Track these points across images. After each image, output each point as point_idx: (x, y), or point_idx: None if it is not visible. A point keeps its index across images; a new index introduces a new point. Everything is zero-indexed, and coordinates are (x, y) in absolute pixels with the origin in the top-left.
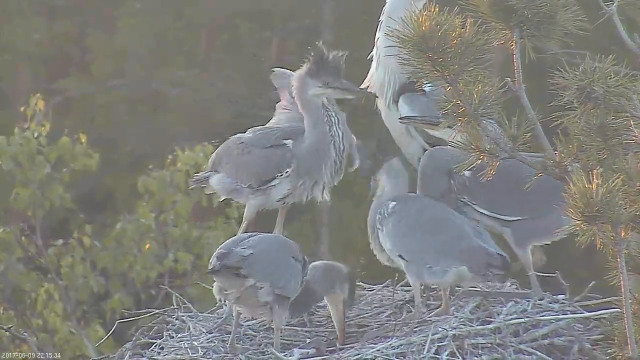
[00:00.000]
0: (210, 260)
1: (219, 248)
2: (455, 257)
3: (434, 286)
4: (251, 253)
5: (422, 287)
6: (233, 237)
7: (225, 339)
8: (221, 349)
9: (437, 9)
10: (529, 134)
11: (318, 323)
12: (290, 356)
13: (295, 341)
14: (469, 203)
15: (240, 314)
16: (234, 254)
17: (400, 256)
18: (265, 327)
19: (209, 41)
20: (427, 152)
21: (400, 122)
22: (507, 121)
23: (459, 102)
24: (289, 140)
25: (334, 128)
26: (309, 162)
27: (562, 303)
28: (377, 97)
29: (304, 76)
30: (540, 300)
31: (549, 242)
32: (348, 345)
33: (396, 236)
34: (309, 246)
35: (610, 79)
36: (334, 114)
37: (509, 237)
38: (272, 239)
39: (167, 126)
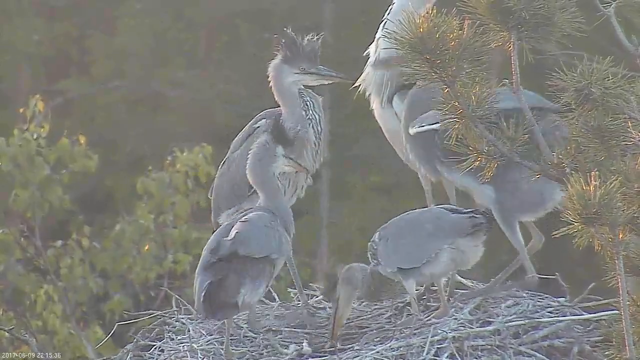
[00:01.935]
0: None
1: (207, 245)
2: (443, 236)
3: (433, 287)
4: (237, 232)
5: (422, 288)
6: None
7: (224, 340)
8: (220, 351)
9: (435, 11)
10: (526, 136)
11: (318, 324)
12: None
13: (295, 343)
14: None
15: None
16: (222, 244)
17: (400, 269)
18: (265, 328)
19: (209, 42)
20: (408, 95)
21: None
22: (505, 122)
23: (456, 103)
24: (261, 122)
25: (311, 112)
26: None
27: (562, 305)
28: (353, 82)
29: (280, 64)
30: (535, 286)
31: (534, 218)
32: (347, 347)
33: (388, 255)
34: (309, 246)
35: (608, 80)
36: (309, 98)
37: (494, 209)
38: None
39: (167, 127)
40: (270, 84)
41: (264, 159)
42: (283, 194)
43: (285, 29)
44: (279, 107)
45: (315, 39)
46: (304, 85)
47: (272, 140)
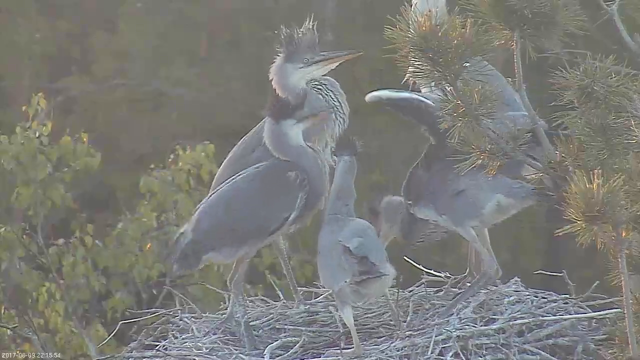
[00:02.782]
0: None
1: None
2: (340, 273)
3: (430, 288)
4: (190, 239)
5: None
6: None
7: (228, 339)
8: (224, 350)
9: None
10: (529, 134)
11: (323, 322)
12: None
13: (303, 343)
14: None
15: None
16: (177, 249)
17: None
18: (269, 327)
19: (210, 40)
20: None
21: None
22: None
23: (459, 102)
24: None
25: (332, 100)
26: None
27: (566, 302)
28: (360, 53)
29: (282, 64)
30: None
31: (479, 223)
32: (350, 346)
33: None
34: (311, 244)
35: (611, 78)
36: (319, 83)
37: (447, 221)
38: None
39: (169, 125)
40: (275, 88)
41: (278, 141)
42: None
43: (281, 28)
44: None
45: (310, 27)
46: (311, 78)
47: (273, 120)
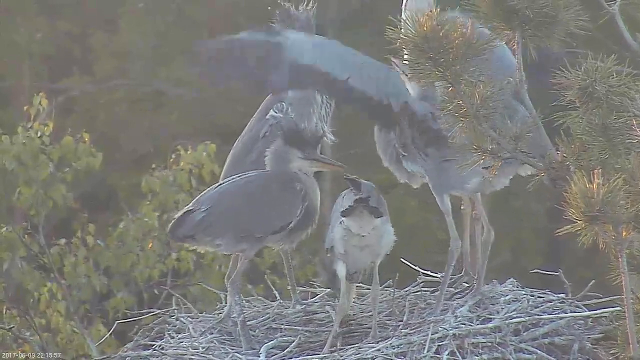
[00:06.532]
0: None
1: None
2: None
3: (425, 289)
4: (204, 216)
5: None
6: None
7: (224, 339)
8: (221, 349)
9: (439, 10)
10: (530, 134)
11: (320, 322)
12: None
13: (299, 342)
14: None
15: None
16: (187, 222)
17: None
18: (266, 326)
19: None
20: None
21: None
22: (509, 121)
23: (460, 102)
24: (269, 116)
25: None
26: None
27: (562, 301)
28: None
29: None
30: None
31: (464, 193)
32: (348, 345)
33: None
34: (312, 244)
35: (612, 78)
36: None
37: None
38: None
39: (170, 125)
40: (271, 165)
41: (279, 164)
42: None
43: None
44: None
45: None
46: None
47: (285, 143)
